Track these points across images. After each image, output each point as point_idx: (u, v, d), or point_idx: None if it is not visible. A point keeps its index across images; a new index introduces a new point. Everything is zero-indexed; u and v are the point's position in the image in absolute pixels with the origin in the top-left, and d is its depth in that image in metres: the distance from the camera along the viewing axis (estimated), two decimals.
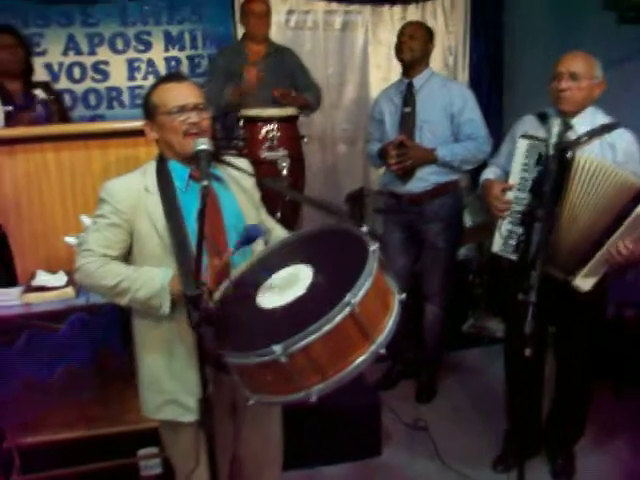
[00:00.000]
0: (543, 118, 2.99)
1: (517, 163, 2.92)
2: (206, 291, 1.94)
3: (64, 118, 4.05)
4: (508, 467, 3.31)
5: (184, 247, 2.13)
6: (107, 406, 3.11)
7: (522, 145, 2.91)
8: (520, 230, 2.90)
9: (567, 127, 2.88)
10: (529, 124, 3.08)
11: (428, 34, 3.92)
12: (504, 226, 2.96)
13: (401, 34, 3.89)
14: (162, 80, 2.31)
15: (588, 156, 2.71)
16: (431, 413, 3.96)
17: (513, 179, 2.93)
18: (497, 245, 2.99)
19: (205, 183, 1.94)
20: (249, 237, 2.14)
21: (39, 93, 3.90)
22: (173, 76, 2.34)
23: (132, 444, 3.16)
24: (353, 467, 3.48)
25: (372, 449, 3.57)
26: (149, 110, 2.27)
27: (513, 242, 2.93)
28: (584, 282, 2.76)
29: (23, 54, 3.99)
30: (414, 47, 3.83)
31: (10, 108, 3.75)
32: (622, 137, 2.88)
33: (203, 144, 2.08)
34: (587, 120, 2.92)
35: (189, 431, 2.19)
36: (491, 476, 3.35)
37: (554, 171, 2.64)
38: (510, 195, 2.93)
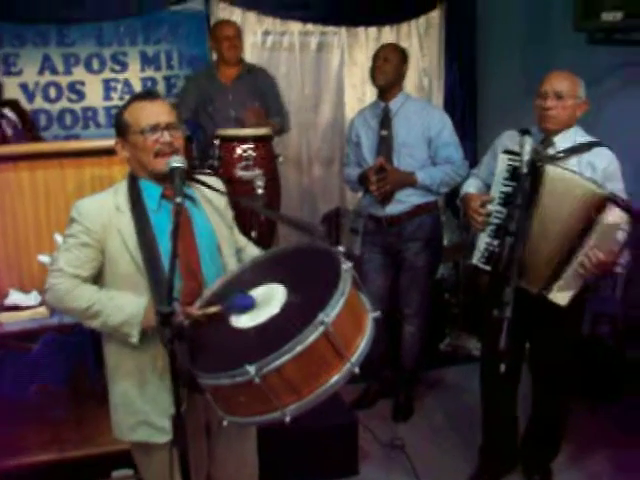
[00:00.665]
0: (523, 134, 3.01)
1: (498, 177, 2.95)
2: (178, 308, 1.93)
3: (34, 137, 4.02)
4: None
5: (156, 266, 2.12)
6: (81, 427, 3.07)
7: (503, 160, 2.94)
8: (495, 242, 2.92)
9: (549, 144, 2.94)
10: (510, 139, 3.11)
11: (402, 56, 3.93)
12: (482, 239, 2.99)
13: (375, 57, 3.91)
14: (135, 98, 2.29)
15: (555, 168, 2.75)
16: (408, 432, 3.95)
17: (494, 192, 2.96)
18: (475, 257, 3.01)
19: (179, 200, 1.94)
20: (237, 306, 2.06)
21: (7, 112, 3.88)
22: (146, 94, 2.31)
23: (106, 466, 3.12)
24: None
25: (349, 468, 3.54)
26: (121, 128, 2.25)
27: (487, 254, 2.96)
28: (560, 296, 2.78)
29: None
30: (387, 71, 3.85)
31: None
32: (602, 156, 2.91)
33: (177, 162, 2.08)
34: (569, 139, 2.96)
35: (162, 452, 2.16)
36: None
37: (527, 186, 2.69)
38: (490, 208, 2.95)
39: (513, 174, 2.86)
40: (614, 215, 2.66)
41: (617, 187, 2.87)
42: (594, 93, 3.90)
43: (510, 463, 3.45)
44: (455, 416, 4.11)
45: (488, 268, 2.95)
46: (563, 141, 2.95)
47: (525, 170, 2.69)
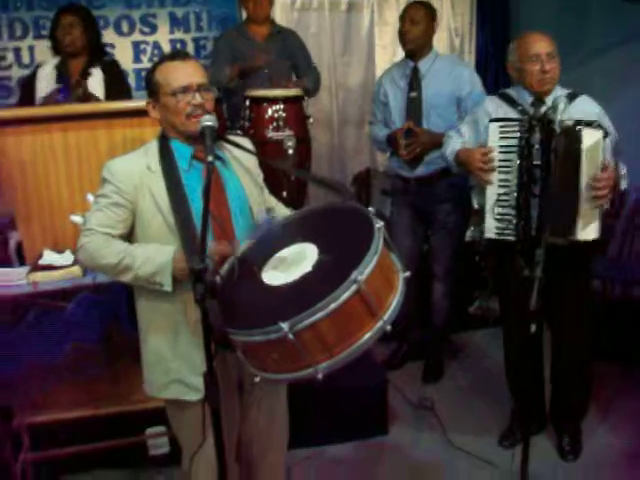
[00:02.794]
0: (508, 99, 3.09)
1: (493, 145, 2.94)
2: (211, 265, 1.94)
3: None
4: (514, 443, 3.34)
5: (188, 225, 2.13)
6: (115, 384, 3.12)
7: (493, 128, 2.93)
8: (513, 212, 2.90)
9: (540, 103, 2.94)
10: (494, 104, 3.14)
11: (430, 14, 3.87)
12: (494, 210, 2.96)
13: (402, 19, 3.86)
14: (166, 58, 2.28)
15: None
16: (437, 393, 3.98)
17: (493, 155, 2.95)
18: (490, 231, 2.99)
19: (210, 159, 1.94)
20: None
21: (95, 73, 3.94)
22: (178, 54, 2.28)
23: (140, 423, 3.19)
24: (359, 446, 3.50)
25: (379, 428, 3.58)
26: (152, 88, 2.25)
27: (508, 224, 2.93)
28: (586, 233, 2.79)
29: (81, 33, 3.97)
30: (416, 34, 3.81)
31: (60, 85, 3.79)
32: (589, 103, 3.00)
33: (209, 121, 2.08)
34: (557, 92, 3.00)
35: (195, 409, 2.18)
36: (497, 453, 3.35)
37: (537, 144, 2.77)
38: (492, 156, 2.93)
39: (520, 139, 2.84)
40: (589, 137, 2.70)
41: (607, 122, 2.95)
42: (628, 53, 3.84)
43: (541, 423, 3.47)
44: (484, 378, 4.13)
45: (512, 238, 2.92)
46: (551, 98, 2.93)
47: (558, 130, 2.68)
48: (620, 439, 3.46)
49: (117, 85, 4.08)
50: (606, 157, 2.78)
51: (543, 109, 2.85)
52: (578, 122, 2.73)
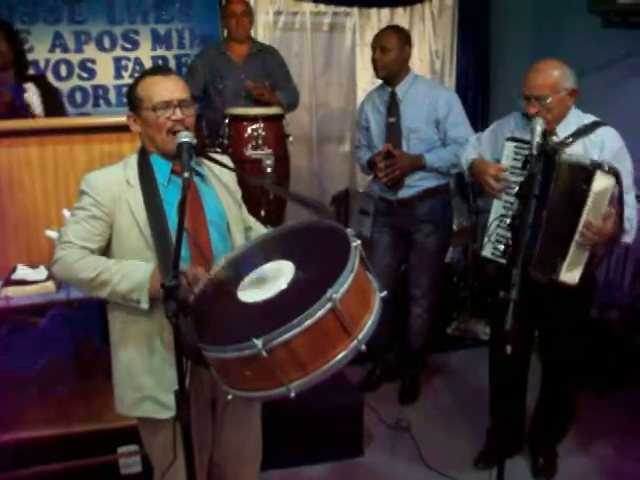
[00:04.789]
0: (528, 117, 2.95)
1: (506, 165, 2.91)
2: (185, 282, 1.93)
3: (58, 114, 3.98)
4: (489, 464, 3.32)
5: (164, 240, 2.12)
6: (87, 402, 3.08)
7: (509, 148, 2.89)
8: (509, 234, 2.87)
9: (552, 134, 2.88)
10: (515, 122, 3.08)
11: (402, 38, 3.84)
12: (492, 230, 2.94)
13: (373, 48, 3.85)
14: (148, 72, 2.28)
15: (568, 155, 2.72)
16: (414, 414, 3.96)
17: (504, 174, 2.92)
18: (487, 249, 2.98)
19: (187, 175, 1.94)
20: None
21: (30, 87, 3.84)
22: (160, 69, 2.30)
23: (112, 441, 3.14)
24: (334, 467, 3.47)
25: (354, 449, 3.56)
26: (133, 102, 2.24)
27: (502, 246, 2.91)
28: (570, 276, 2.75)
29: (7, 48, 3.92)
30: (387, 61, 3.79)
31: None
32: (607, 135, 2.87)
33: (186, 137, 2.07)
34: (571, 124, 2.91)
35: (166, 427, 2.16)
36: (473, 474, 3.34)
37: (539, 174, 2.66)
38: (504, 174, 2.89)
39: (523, 162, 2.80)
40: (601, 182, 2.62)
41: (626, 165, 2.85)
42: (606, 79, 3.87)
43: (516, 445, 3.46)
44: (461, 399, 4.12)
45: (503, 261, 2.90)
46: (565, 129, 2.90)
47: (535, 153, 2.63)
48: (593, 461, 3.46)
49: (53, 101, 4.04)
50: (611, 206, 2.70)
51: (555, 138, 2.85)
52: (594, 163, 2.65)
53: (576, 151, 2.83)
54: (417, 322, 4.12)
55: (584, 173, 2.64)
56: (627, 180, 2.80)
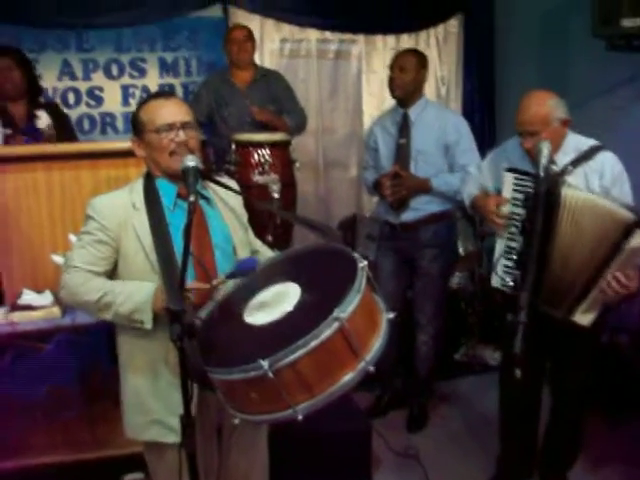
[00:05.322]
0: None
1: (506, 195, 2.89)
2: (190, 305, 1.92)
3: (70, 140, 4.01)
4: None
5: (170, 264, 2.11)
6: (93, 428, 3.05)
7: (508, 179, 2.87)
8: (516, 267, 2.86)
9: (552, 163, 2.82)
10: (513, 148, 3.06)
11: (420, 61, 3.91)
12: (500, 263, 2.92)
13: (392, 68, 3.90)
14: (151, 97, 2.31)
15: (573, 192, 2.69)
16: (422, 441, 3.91)
17: (504, 209, 2.90)
18: (495, 281, 2.96)
19: (192, 199, 1.94)
20: (242, 269, 2.10)
21: (41, 115, 3.81)
22: (162, 93, 2.36)
23: (118, 469, 3.10)
24: None
25: (362, 476, 3.49)
26: (137, 127, 2.26)
27: (509, 279, 2.88)
28: (583, 318, 2.74)
29: (21, 76, 3.94)
30: (406, 81, 3.83)
31: (9, 131, 3.68)
32: (607, 160, 2.86)
33: (191, 161, 2.07)
34: (569, 152, 2.89)
35: (172, 453, 2.13)
36: None
37: (542, 209, 2.65)
38: (505, 210, 2.88)
39: (525, 196, 2.79)
40: (639, 239, 2.59)
41: (625, 189, 2.85)
42: (611, 103, 3.86)
43: (526, 472, 3.39)
44: (470, 426, 4.06)
45: (510, 292, 2.88)
46: (564, 156, 2.88)
47: (542, 175, 2.64)
48: None
49: (64, 127, 4.07)
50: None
51: (554, 166, 2.80)
52: (636, 218, 2.59)
53: (577, 179, 2.81)
54: (423, 349, 4.09)
55: (623, 226, 2.60)
56: None
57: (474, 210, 3.19)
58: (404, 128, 3.90)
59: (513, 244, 2.88)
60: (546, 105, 2.82)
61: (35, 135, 3.68)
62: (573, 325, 2.76)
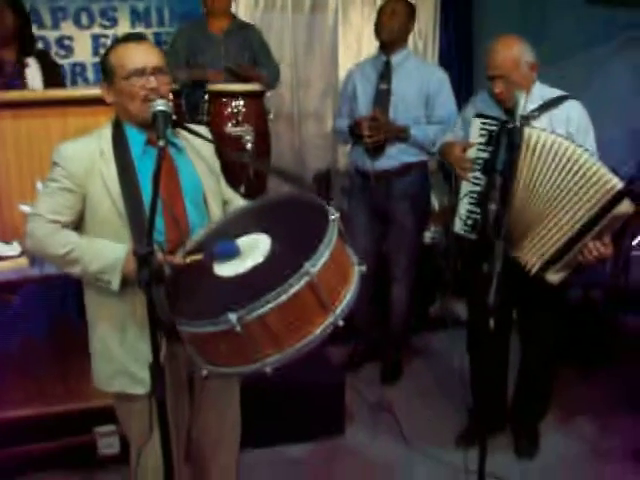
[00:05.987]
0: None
1: (473, 140, 2.92)
2: (160, 255, 1.88)
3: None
4: (470, 443, 3.29)
5: (138, 212, 2.07)
6: (64, 381, 3.04)
7: (476, 124, 2.91)
8: (478, 210, 2.90)
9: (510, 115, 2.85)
10: (482, 99, 3.11)
11: (409, 10, 3.87)
12: (462, 206, 2.96)
13: (381, 11, 3.85)
14: (121, 40, 2.21)
15: (538, 132, 2.67)
16: (396, 394, 3.94)
17: (470, 154, 2.93)
18: (457, 225, 2.99)
19: (162, 144, 1.89)
20: (222, 253, 1.99)
21: (31, 62, 3.81)
22: (133, 36, 2.22)
23: (90, 421, 3.09)
24: (315, 446, 3.45)
25: (335, 428, 3.54)
26: (106, 72, 2.18)
27: (471, 222, 2.93)
28: (555, 276, 2.77)
29: (13, 19, 3.80)
30: (394, 26, 3.79)
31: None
32: (573, 109, 2.89)
33: (161, 105, 2.02)
34: (535, 99, 2.91)
35: (142, 403, 2.10)
36: (455, 455, 3.30)
37: (505, 148, 2.63)
38: (471, 153, 2.91)
39: (489, 139, 2.82)
40: (625, 206, 2.58)
41: (589, 140, 2.87)
42: (588, 56, 3.84)
43: (499, 424, 3.44)
44: (443, 379, 4.10)
45: (473, 237, 2.93)
46: (530, 104, 2.87)
47: (518, 125, 2.58)
48: (576, 440, 3.46)
49: (54, 75, 3.98)
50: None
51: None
52: (630, 185, 2.66)
53: (542, 125, 2.82)
54: (397, 301, 4.11)
55: (613, 194, 2.57)
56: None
57: (442, 157, 3.19)
58: (385, 74, 3.86)
59: (477, 188, 2.91)
60: (514, 48, 2.87)
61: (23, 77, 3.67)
62: (542, 280, 2.79)
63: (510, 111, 2.83)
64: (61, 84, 4.16)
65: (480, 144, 2.88)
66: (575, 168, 2.61)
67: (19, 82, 3.68)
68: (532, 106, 2.88)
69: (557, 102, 2.89)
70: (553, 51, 4.40)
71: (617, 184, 2.57)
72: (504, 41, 2.91)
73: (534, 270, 2.78)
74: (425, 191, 4.04)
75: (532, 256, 2.78)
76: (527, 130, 2.65)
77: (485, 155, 2.86)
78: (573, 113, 2.88)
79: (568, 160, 2.62)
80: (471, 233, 2.93)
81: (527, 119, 2.79)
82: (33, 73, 3.78)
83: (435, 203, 4.81)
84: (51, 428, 3.05)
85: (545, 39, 4.54)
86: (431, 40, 5.89)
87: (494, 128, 2.80)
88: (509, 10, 5.24)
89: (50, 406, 3.03)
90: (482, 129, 2.87)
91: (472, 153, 2.92)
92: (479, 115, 2.91)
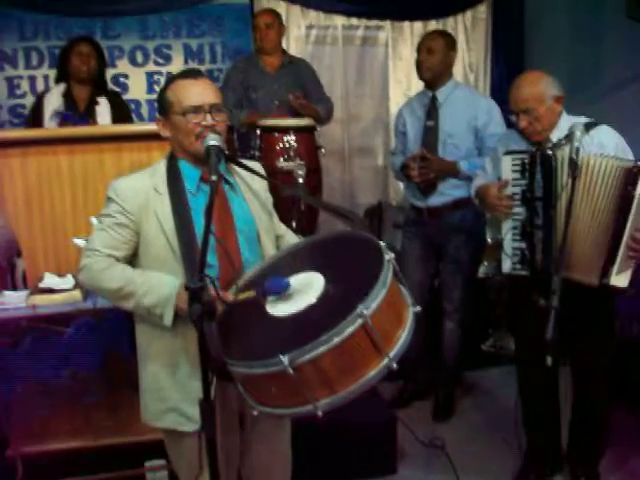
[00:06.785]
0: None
1: (507, 178, 2.90)
2: (211, 285, 1.87)
3: None
4: None
5: (192, 249, 2.07)
6: (115, 414, 3.04)
7: (507, 162, 2.90)
8: (524, 244, 2.86)
9: (547, 142, 2.89)
10: (509, 138, 3.10)
11: (448, 43, 3.85)
12: (507, 245, 2.92)
13: (419, 50, 3.85)
14: (179, 75, 2.23)
15: (566, 152, 2.68)
16: (448, 432, 3.84)
17: (505, 193, 2.91)
18: (506, 266, 2.94)
19: (214, 178, 1.89)
20: (272, 288, 1.98)
21: (102, 101, 4.10)
22: (191, 72, 2.24)
23: (139, 455, 3.09)
24: None
25: (387, 466, 3.47)
26: (163, 106, 2.20)
27: (519, 258, 2.88)
28: (619, 279, 2.70)
29: (95, 64, 4.17)
30: (433, 64, 3.79)
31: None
32: (606, 132, 2.87)
33: (214, 140, 2.03)
34: (563, 129, 2.87)
35: (192, 440, 2.10)
36: None
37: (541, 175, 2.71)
38: (508, 191, 2.89)
39: (523, 171, 2.81)
40: None
41: (630, 157, 2.82)
42: None
43: (555, 464, 3.34)
44: (497, 417, 3.99)
45: (524, 272, 2.87)
46: (558, 134, 2.87)
47: (575, 157, 2.60)
48: None
49: (123, 114, 4.24)
50: None
51: (549, 143, 2.84)
52: (636, 163, 2.63)
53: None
54: (450, 337, 4.05)
55: (625, 173, 2.60)
56: None
57: (479, 201, 3.18)
58: (432, 110, 3.85)
59: (518, 223, 2.89)
60: (538, 83, 2.88)
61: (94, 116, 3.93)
62: (609, 290, 2.73)
63: (538, 144, 2.87)
64: (130, 122, 4.36)
65: (514, 179, 2.87)
66: (607, 173, 2.64)
67: (88, 119, 3.92)
68: (561, 135, 2.85)
69: (585, 129, 2.81)
70: (607, 83, 4.35)
71: (629, 163, 2.61)
72: (529, 77, 2.93)
73: (596, 281, 2.72)
74: (479, 225, 3.98)
75: (588, 270, 2.73)
76: (558, 152, 2.68)
77: (520, 189, 2.85)
78: (605, 139, 2.84)
79: (603, 170, 2.64)
80: (522, 270, 2.88)
81: (558, 145, 2.77)
82: (103, 111, 4.04)
83: (487, 237, 4.73)
84: (100, 461, 3.06)
85: (599, 72, 4.51)
86: (482, 73, 5.87)
87: (526, 160, 2.80)
88: (560, 43, 5.18)
89: (99, 439, 3.04)
90: (514, 164, 2.87)
91: (508, 191, 2.90)
92: (509, 152, 2.91)
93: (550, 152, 2.72)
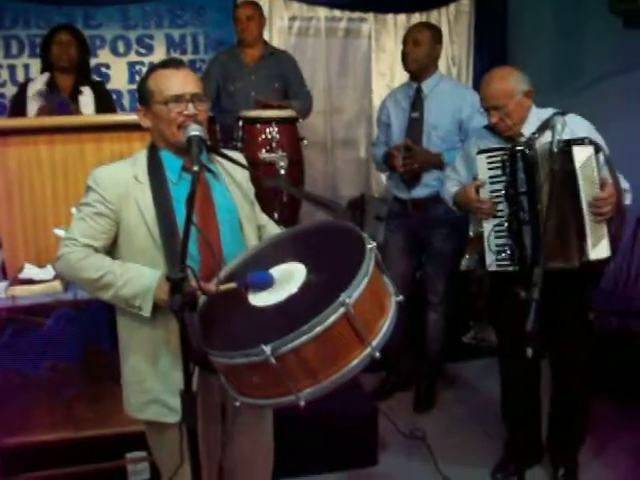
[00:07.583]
0: (493, 130, 3.01)
1: (483, 177, 2.91)
2: (191, 276, 1.86)
3: None
4: (507, 475, 3.24)
5: (173, 238, 2.05)
6: (95, 406, 3.02)
7: (482, 161, 2.91)
8: (510, 241, 2.85)
9: (519, 136, 2.91)
10: (477, 137, 3.13)
11: (434, 36, 3.85)
12: (491, 243, 2.92)
13: (405, 41, 3.85)
14: (160, 65, 2.21)
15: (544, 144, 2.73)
16: (429, 423, 3.87)
17: (483, 193, 2.92)
18: (491, 263, 2.94)
19: (196, 168, 1.88)
20: (255, 282, 1.97)
21: (86, 91, 4.11)
22: (172, 61, 2.22)
23: (120, 447, 3.07)
24: (348, 476, 3.40)
25: (368, 458, 3.49)
26: (144, 96, 2.18)
27: (506, 254, 2.87)
28: (598, 251, 2.73)
29: (77, 52, 4.18)
30: (419, 56, 3.78)
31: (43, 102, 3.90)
32: (578, 122, 2.90)
33: (195, 130, 2.02)
34: (532, 121, 2.92)
35: (173, 431, 2.06)
36: None
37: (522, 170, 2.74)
38: (485, 194, 2.91)
39: (503, 168, 2.82)
40: (580, 154, 2.65)
41: (602, 142, 2.85)
42: (628, 80, 3.79)
43: (535, 454, 3.38)
44: (478, 409, 4.04)
45: (513, 268, 2.87)
46: (529, 127, 2.91)
47: (555, 150, 2.61)
48: (615, 473, 3.37)
49: (107, 104, 4.24)
50: (602, 173, 2.73)
51: (522, 138, 2.86)
52: (567, 141, 2.68)
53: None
54: (434, 328, 4.07)
55: (562, 154, 2.63)
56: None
57: (458, 207, 3.19)
58: (417, 102, 3.85)
59: (501, 219, 2.88)
60: (508, 79, 2.91)
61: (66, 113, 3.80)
62: (578, 277, 2.80)
63: (510, 139, 2.91)
64: (114, 112, 4.36)
65: (492, 177, 2.88)
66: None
67: (70, 108, 3.86)
68: (532, 128, 2.88)
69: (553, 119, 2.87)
70: (590, 79, 4.36)
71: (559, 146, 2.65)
72: (498, 73, 2.95)
73: (577, 263, 2.74)
74: (463, 217, 3.99)
75: (566, 254, 2.76)
76: (577, 148, 2.68)
77: (500, 186, 2.85)
78: (576, 127, 2.86)
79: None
80: (509, 266, 2.88)
81: (532, 141, 2.80)
82: (86, 101, 4.05)
83: (470, 230, 4.75)
84: (81, 453, 3.03)
85: (582, 66, 4.52)
86: (465, 66, 5.86)
87: (505, 157, 2.80)
88: (544, 36, 5.19)
89: (80, 431, 3.01)
90: (490, 162, 2.87)
91: (486, 189, 2.91)
92: (482, 151, 2.92)
93: (528, 148, 2.74)
